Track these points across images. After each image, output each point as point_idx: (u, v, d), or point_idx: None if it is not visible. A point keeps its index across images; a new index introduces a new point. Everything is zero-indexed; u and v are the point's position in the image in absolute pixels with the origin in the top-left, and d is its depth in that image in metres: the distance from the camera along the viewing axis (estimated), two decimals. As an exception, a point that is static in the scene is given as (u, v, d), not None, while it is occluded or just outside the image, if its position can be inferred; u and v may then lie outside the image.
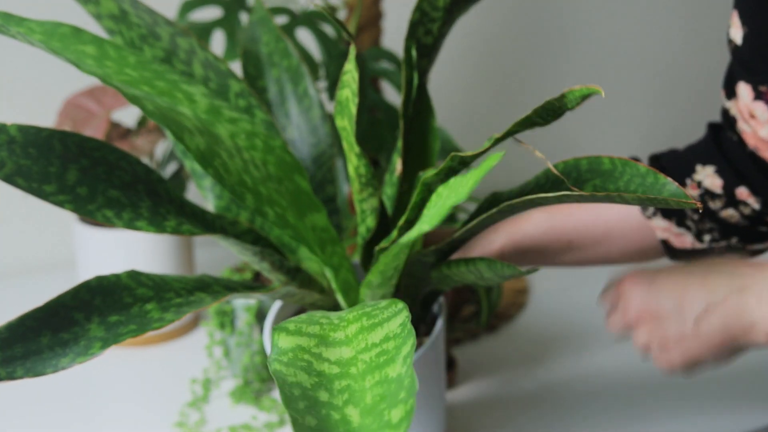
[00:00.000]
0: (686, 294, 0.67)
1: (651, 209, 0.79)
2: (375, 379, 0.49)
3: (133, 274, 0.64)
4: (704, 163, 0.76)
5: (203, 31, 0.98)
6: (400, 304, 0.53)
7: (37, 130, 0.63)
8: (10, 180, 0.62)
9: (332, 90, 1.00)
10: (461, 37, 1.42)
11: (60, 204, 0.64)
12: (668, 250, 0.80)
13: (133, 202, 0.66)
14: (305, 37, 1.13)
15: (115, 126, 0.99)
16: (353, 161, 0.69)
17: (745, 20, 0.68)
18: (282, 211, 0.67)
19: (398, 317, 0.52)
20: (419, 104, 0.76)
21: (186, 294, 0.65)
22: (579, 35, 1.49)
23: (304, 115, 0.83)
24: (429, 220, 0.53)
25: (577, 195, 0.55)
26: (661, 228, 0.79)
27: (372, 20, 1.06)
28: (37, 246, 1.20)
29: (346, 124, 0.68)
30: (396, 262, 0.64)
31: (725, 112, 0.75)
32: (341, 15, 1.10)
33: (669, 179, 0.54)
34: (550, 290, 1.15)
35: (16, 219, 1.21)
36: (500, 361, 1.00)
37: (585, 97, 0.54)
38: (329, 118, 0.83)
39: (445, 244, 0.69)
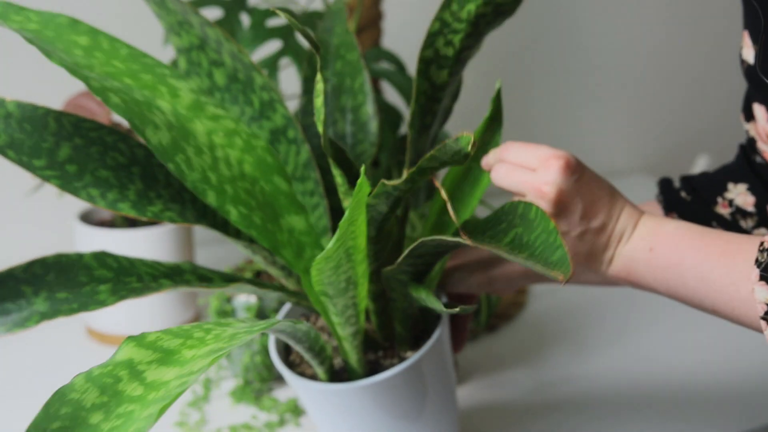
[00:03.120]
0: (593, 207, 0.66)
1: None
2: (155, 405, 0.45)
3: (100, 255, 0.63)
4: (736, 181, 0.75)
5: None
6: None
7: (34, 108, 0.65)
8: (1, 151, 0.63)
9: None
10: None
11: (46, 179, 0.65)
12: None
13: (123, 184, 0.67)
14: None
15: (115, 126, 1.00)
16: (332, 170, 0.67)
17: (755, 39, 0.65)
18: (247, 212, 0.66)
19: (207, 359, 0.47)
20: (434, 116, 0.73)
21: (149, 279, 0.64)
22: (579, 35, 1.48)
23: (357, 111, 0.81)
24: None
25: (467, 243, 0.56)
26: None
27: (372, 21, 1.05)
28: (38, 246, 1.22)
29: (323, 130, 0.65)
30: (325, 275, 0.61)
31: (747, 134, 0.73)
32: None
33: (563, 244, 0.53)
34: (550, 290, 1.15)
35: (16, 219, 1.23)
36: (500, 361, 1.00)
37: (473, 143, 0.53)
38: (378, 117, 0.81)
39: (403, 265, 0.66)
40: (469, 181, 0.74)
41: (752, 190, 0.74)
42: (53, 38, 0.65)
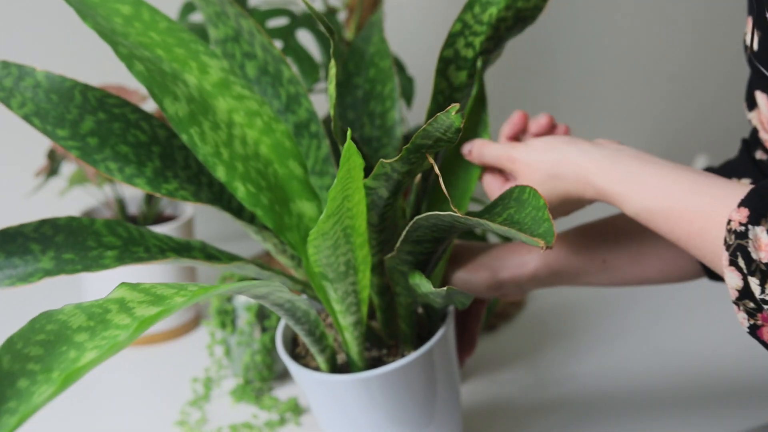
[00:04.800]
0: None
1: None
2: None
3: (111, 223, 0.65)
4: (740, 176, 0.73)
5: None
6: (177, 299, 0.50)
7: (62, 79, 0.67)
8: (27, 118, 0.66)
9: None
10: None
11: (68, 149, 0.67)
12: (706, 268, 0.75)
13: (141, 161, 0.68)
14: (305, 37, 1.13)
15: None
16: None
17: (759, 25, 0.64)
18: (256, 191, 0.67)
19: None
20: (473, 118, 0.74)
21: (156, 251, 0.64)
22: (578, 36, 1.48)
23: (384, 116, 0.82)
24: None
25: (460, 217, 0.57)
26: None
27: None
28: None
29: (334, 115, 0.66)
30: (323, 254, 0.61)
31: (750, 124, 0.71)
32: (341, 16, 1.09)
33: (550, 219, 0.54)
34: (550, 290, 1.11)
35: (16, 219, 1.24)
36: (500, 361, 0.99)
37: (459, 113, 0.55)
38: (402, 123, 0.83)
39: (402, 253, 0.66)
40: (462, 168, 0.75)
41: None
42: (97, 4, 0.67)
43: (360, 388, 0.70)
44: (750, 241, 0.56)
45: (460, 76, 0.73)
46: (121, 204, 1.06)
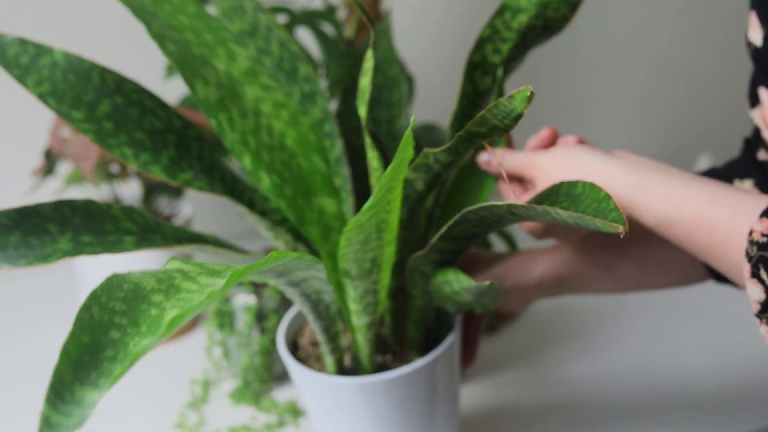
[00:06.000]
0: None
1: None
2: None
3: (128, 209, 0.63)
4: (742, 177, 0.73)
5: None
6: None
7: (81, 60, 0.66)
8: (43, 98, 0.64)
9: (333, 89, 0.97)
10: (460, 32, 1.41)
11: (84, 131, 0.65)
12: (711, 271, 0.74)
13: (156, 149, 0.67)
14: (305, 36, 1.12)
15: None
16: (368, 153, 0.66)
17: (764, 20, 0.64)
18: (280, 182, 0.66)
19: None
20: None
21: (173, 240, 0.63)
22: (580, 34, 1.50)
23: (392, 123, 0.82)
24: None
25: (520, 207, 0.57)
26: None
27: (372, 20, 1.05)
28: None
29: (365, 113, 0.65)
30: (353, 248, 0.60)
31: (752, 122, 0.71)
32: (341, 15, 1.08)
33: (618, 208, 0.53)
34: None
35: None
36: (500, 362, 0.98)
37: (528, 98, 0.53)
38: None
39: (432, 252, 0.65)
40: (476, 177, 0.75)
41: (759, 185, 0.72)
42: None
43: (367, 392, 0.68)
44: None
45: (486, 81, 0.72)
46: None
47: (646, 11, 1.55)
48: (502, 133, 0.56)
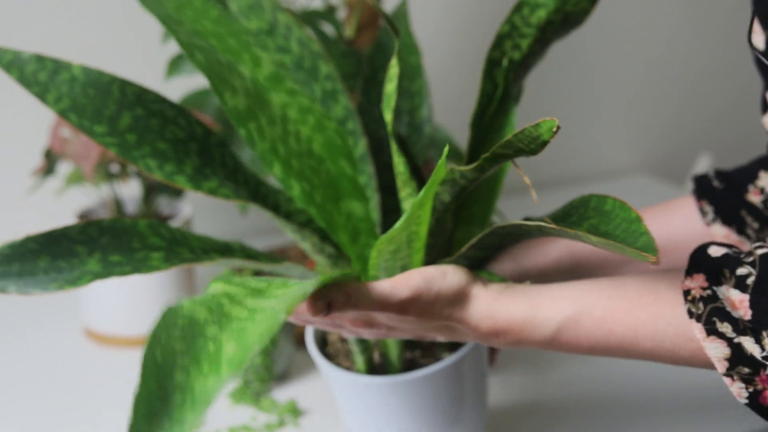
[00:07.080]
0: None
1: (711, 215, 0.75)
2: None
3: (154, 224, 0.63)
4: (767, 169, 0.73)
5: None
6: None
7: (99, 74, 0.65)
8: (64, 114, 0.64)
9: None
10: (462, 33, 1.39)
11: (106, 145, 0.65)
12: None
13: (180, 158, 0.67)
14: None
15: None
16: (394, 158, 0.66)
17: (765, 25, 0.62)
18: (310, 189, 0.65)
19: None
20: (500, 118, 0.72)
21: (200, 252, 0.63)
22: (580, 35, 1.46)
23: (413, 113, 0.81)
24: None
25: (550, 228, 0.55)
26: (721, 235, 0.75)
27: (372, 20, 1.03)
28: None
29: (391, 119, 0.65)
30: (384, 258, 0.60)
31: (764, 128, 0.71)
32: (341, 14, 1.07)
33: (648, 231, 0.51)
34: None
35: (14, 219, 1.22)
36: (501, 363, 0.98)
37: (553, 131, 0.52)
38: (431, 120, 0.82)
39: (461, 258, 0.65)
40: (486, 181, 0.74)
41: None
42: None
43: (397, 390, 0.69)
44: (723, 302, 0.53)
45: (508, 77, 0.72)
46: (118, 204, 1.04)
47: (646, 11, 1.54)
48: (528, 155, 0.55)
